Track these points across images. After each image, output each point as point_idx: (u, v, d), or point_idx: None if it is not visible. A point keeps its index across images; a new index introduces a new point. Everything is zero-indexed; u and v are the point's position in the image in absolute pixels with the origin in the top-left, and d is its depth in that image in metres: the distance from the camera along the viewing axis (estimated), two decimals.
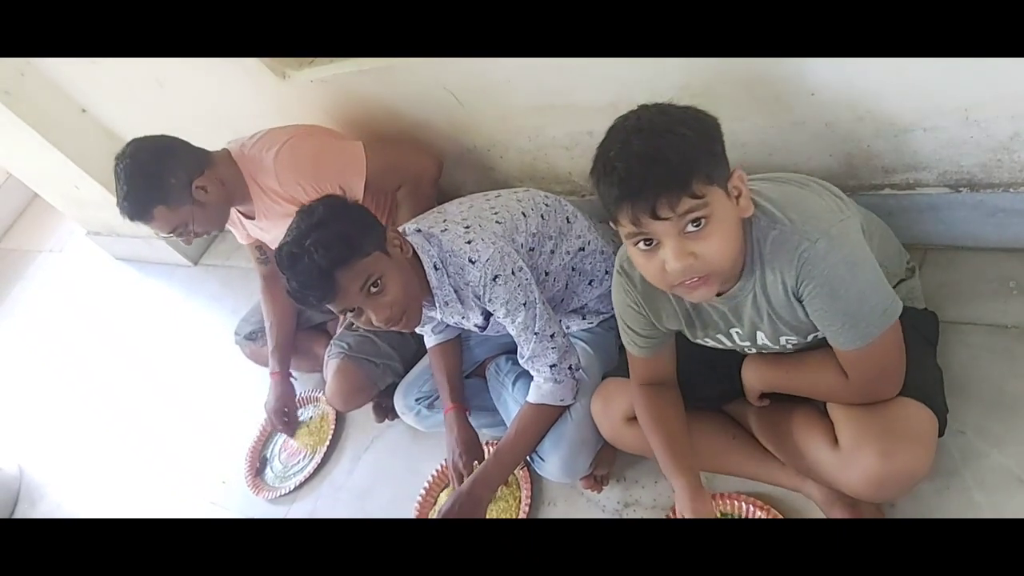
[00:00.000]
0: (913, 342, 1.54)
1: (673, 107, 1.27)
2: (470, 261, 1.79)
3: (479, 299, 1.84)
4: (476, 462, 2.00)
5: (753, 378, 1.63)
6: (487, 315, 1.91)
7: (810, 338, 1.48)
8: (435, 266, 1.83)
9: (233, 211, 2.34)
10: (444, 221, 1.88)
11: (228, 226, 2.42)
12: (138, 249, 3.71)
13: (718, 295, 1.42)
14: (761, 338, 1.51)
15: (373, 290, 1.72)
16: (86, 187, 3.29)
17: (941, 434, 1.49)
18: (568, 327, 2.05)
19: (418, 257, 1.83)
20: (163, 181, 2.10)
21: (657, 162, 1.19)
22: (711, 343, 1.59)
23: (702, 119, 1.26)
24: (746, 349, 1.58)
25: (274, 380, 2.57)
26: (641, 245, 1.28)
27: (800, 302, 1.37)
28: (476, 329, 1.98)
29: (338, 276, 1.68)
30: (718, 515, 1.77)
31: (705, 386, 1.72)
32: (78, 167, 3.20)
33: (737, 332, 1.52)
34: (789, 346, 1.53)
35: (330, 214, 1.74)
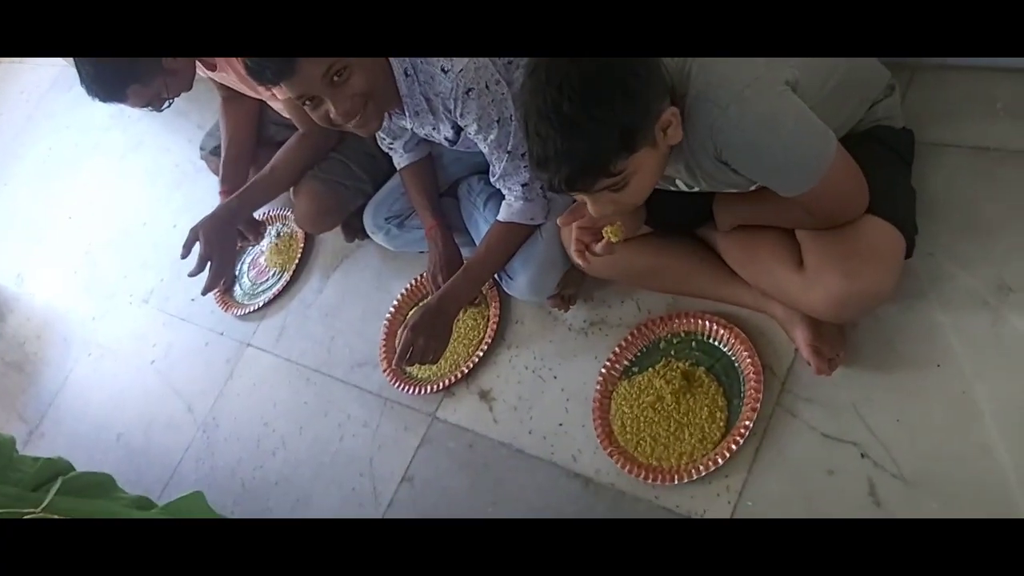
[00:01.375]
0: (887, 161, 1.53)
1: (599, 66, 1.20)
2: (442, 70, 1.69)
3: (449, 112, 1.76)
4: None
5: (723, 211, 1.62)
6: (457, 129, 1.83)
7: (752, 187, 1.46)
8: (405, 72, 1.73)
9: None
10: None
11: None
12: None
13: None
14: (705, 187, 1.49)
15: (336, 79, 1.60)
16: None
17: (909, 255, 1.48)
18: None
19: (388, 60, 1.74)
20: (132, 59, 1.94)
21: (571, 158, 1.21)
22: (664, 188, 1.55)
23: (628, 78, 1.20)
24: (699, 190, 1.55)
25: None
26: None
27: (727, 165, 1.35)
28: (446, 143, 1.92)
29: None
30: (682, 335, 1.77)
31: (677, 211, 1.68)
32: None
33: (684, 182, 1.50)
34: (733, 191, 1.52)
35: None
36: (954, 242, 1.58)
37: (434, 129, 1.86)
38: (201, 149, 2.67)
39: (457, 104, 1.72)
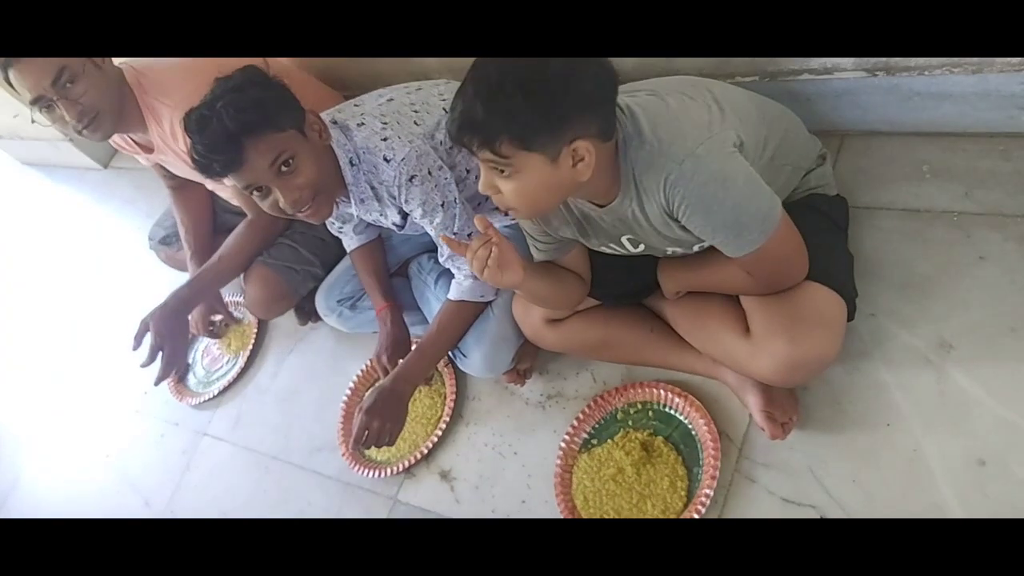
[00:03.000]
0: (823, 228, 1.57)
1: (539, 60, 1.23)
2: (385, 160, 1.73)
3: (395, 198, 1.79)
4: (401, 359, 1.98)
5: (667, 278, 1.66)
6: (404, 214, 1.86)
7: (695, 248, 1.51)
8: (351, 161, 1.76)
9: (123, 138, 2.23)
10: (361, 115, 1.80)
11: (120, 146, 2.30)
12: (44, 153, 3.54)
13: (600, 207, 1.44)
14: (650, 247, 1.53)
15: (284, 169, 1.63)
16: None
17: (851, 318, 1.52)
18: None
19: (333, 149, 1.76)
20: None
21: (470, 117, 1.24)
22: (608, 250, 1.59)
23: (558, 89, 1.22)
24: (643, 254, 1.58)
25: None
26: None
27: (676, 220, 1.38)
28: (394, 228, 1.94)
29: (247, 144, 1.57)
30: (639, 405, 1.79)
31: (624, 282, 1.72)
32: None
33: (628, 239, 1.52)
34: (678, 253, 1.55)
35: (248, 81, 1.63)
36: (893, 302, 1.63)
37: (381, 215, 1.89)
38: (150, 239, 2.66)
39: (401, 191, 1.75)
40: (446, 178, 1.77)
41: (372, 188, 1.80)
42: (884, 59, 1.70)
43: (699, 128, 1.35)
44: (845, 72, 1.75)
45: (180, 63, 2.13)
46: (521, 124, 1.22)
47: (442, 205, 1.77)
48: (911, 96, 1.73)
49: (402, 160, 1.71)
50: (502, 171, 1.28)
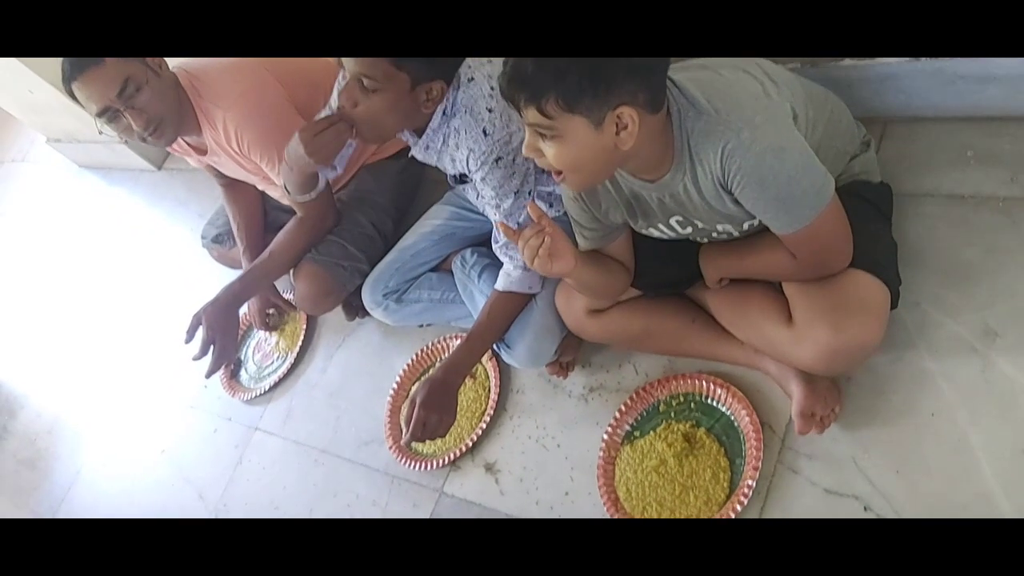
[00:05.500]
0: (867, 216, 1.56)
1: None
2: (484, 133, 1.74)
3: (464, 165, 1.80)
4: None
5: (709, 265, 1.65)
6: (463, 179, 1.88)
7: (746, 226, 1.50)
8: (443, 111, 1.78)
9: (177, 141, 2.28)
10: (471, 71, 1.78)
11: (172, 148, 2.37)
12: (100, 156, 3.63)
13: (651, 183, 1.44)
14: (699, 226, 1.52)
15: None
16: (40, 90, 3.18)
17: (895, 306, 1.50)
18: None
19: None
20: None
21: (520, 73, 1.27)
22: (656, 233, 1.59)
23: (610, 66, 1.24)
24: (689, 237, 1.58)
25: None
26: None
27: (730, 193, 1.38)
28: (451, 180, 2.00)
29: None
30: (681, 397, 1.79)
31: (666, 272, 1.72)
32: (29, 69, 3.09)
33: (677, 220, 1.52)
34: (726, 234, 1.54)
35: None
36: (938, 290, 1.61)
37: (437, 160, 1.91)
38: (203, 238, 2.73)
39: (483, 168, 1.76)
40: (527, 168, 1.78)
41: (446, 143, 1.81)
42: None
43: (756, 98, 1.36)
44: (887, 58, 1.73)
45: (229, 64, 2.19)
46: (568, 84, 1.23)
47: (516, 192, 1.78)
48: (955, 80, 1.70)
49: (498, 140, 1.73)
50: (544, 135, 1.30)
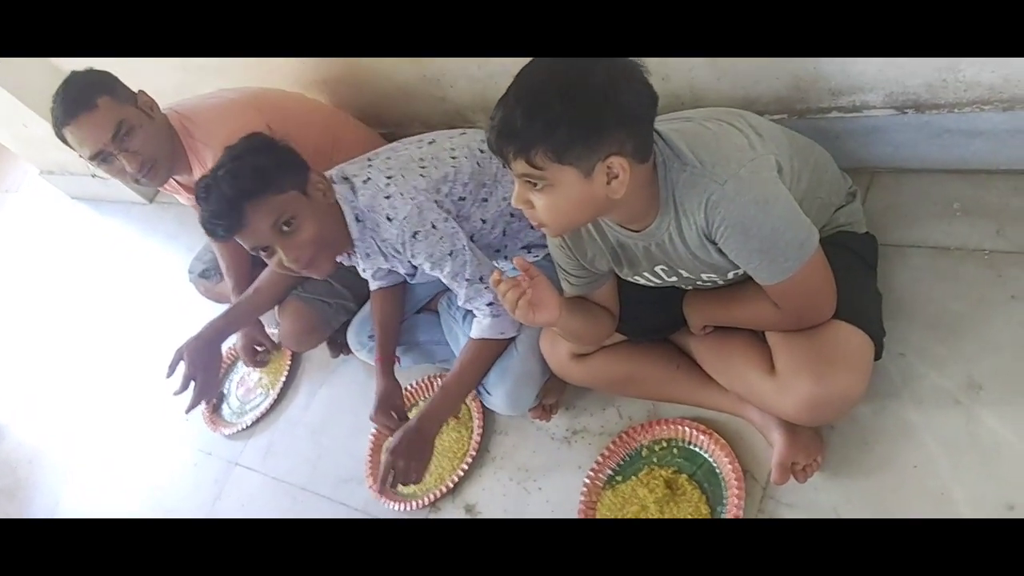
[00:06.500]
0: (852, 266, 1.56)
1: (581, 71, 1.22)
2: (387, 219, 1.77)
3: (400, 254, 1.82)
4: (394, 413, 2.03)
5: (694, 312, 1.66)
6: (414, 267, 1.89)
7: (730, 275, 1.50)
8: (356, 218, 1.81)
9: (172, 179, 2.29)
10: (368, 168, 1.84)
11: (168, 190, 2.37)
12: (93, 188, 3.64)
13: (636, 232, 1.44)
14: (684, 275, 1.52)
15: (285, 228, 1.69)
16: (34, 125, 3.20)
17: (879, 357, 1.50)
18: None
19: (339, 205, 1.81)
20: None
21: (509, 125, 1.23)
22: (642, 280, 1.59)
23: (598, 102, 1.22)
24: (675, 285, 1.58)
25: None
26: None
27: (714, 243, 1.38)
28: (407, 278, 1.98)
29: (247, 208, 1.65)
30: (664, 442, 1.78)
31: (651, 317, 1.72)
32: (24, 104, 3.12)
33: (663, 269, 1.52)
34: (711, 283, 1.55)
35: (249, 148, 1.72)
36: (923, 341, 1.60)
37: (389, 268, 1.93)
38: (190, 272, 2.72)
39: (406, 247, 1.78)
40: (452, 229, 1.79)
41: (377, 244, 1.84)
42: (914, 96, 1.69)
43: (740, 150, 1.35)
44: (874, 110, 1.75)
45: (218, 105, 2.20)
46: (558, 135, 1.21)
47: (450, 254, 1.79)
48: (941, 133, 1.71)
49: (404, 218, 1.75)
50: (535, 184, 1.28)
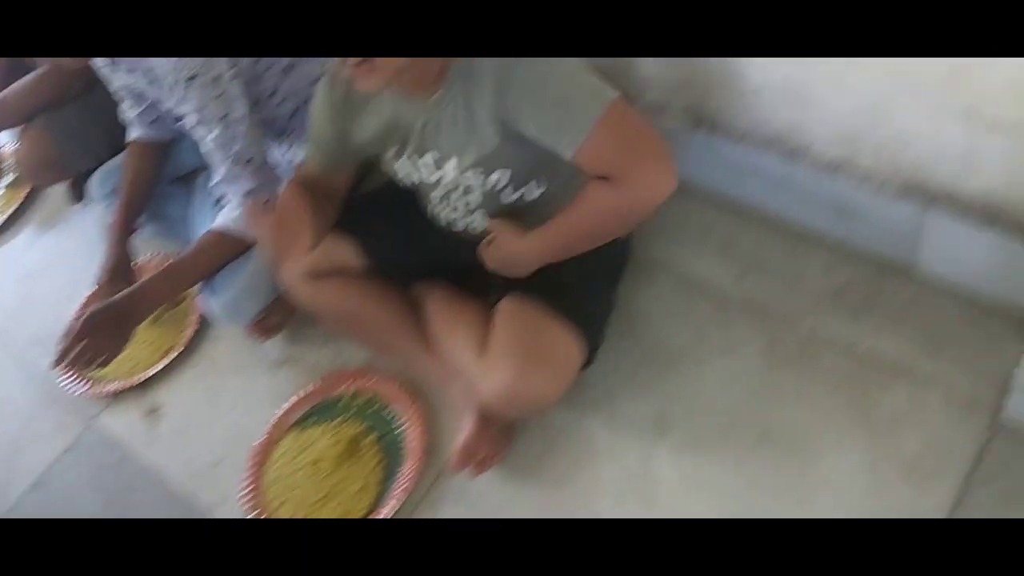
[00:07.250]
0: (592, 271, 1.51)
1: None
2: None
3: (171, 91, 1.58)
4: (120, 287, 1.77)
5: (530, 255, 1.45)
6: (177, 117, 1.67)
7: (495, 175, 1.36)
8: None
9: None
10: None
11: None
12: None
13: (420, 102, 1.33)
14: (452, 168, 1.38)
15: None
16: None
17: (590, 362, 1.47)
18: (293, 159, 1.84)
19: None
20: None
21: None
22: (401, 173, 1.46)
23: None
24: (433, 193, 1.47)
25: None
26: None
27: (505, 124, 1.26)
28: (171, 132, 1.77)
29: None
30: (366, 396, 1.69)
31: (410, 254, 1.62)
32: None
33: (433, 155, 1.38)
34: (473, 202, 1.43)
35: None
36: (636, 366, 1.57)
37: (151, 98, 1.72)
38: None
39: (177, 88, 1.55)
40: (235, 92, 1.58)
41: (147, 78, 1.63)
42: (712, 114, 1.61)
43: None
44: (673, 118, 1.66)
45: None
46: None
47: (222, 119, 1.58)
48: (722, 160, 1.66)
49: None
50: None
